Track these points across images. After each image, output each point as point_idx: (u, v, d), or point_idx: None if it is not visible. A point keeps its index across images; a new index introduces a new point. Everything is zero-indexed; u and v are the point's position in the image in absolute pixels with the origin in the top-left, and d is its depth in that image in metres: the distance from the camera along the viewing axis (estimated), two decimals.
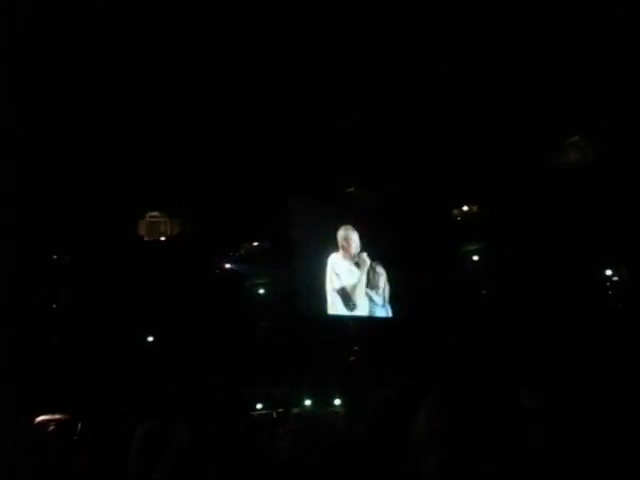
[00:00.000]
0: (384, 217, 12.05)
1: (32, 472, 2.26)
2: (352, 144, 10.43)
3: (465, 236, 12.95)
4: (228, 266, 13.20)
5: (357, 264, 11.50)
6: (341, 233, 11.53)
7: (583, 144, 10.60)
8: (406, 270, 11.75)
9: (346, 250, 11.42)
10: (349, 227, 11.63)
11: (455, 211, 12.83)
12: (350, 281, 11.30)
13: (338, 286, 11.07)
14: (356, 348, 12.38)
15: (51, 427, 4.72)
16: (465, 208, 12.78)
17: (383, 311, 11.70)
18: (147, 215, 12.05)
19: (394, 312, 11.81)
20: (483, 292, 13.47)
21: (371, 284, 11.59)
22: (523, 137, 10.37)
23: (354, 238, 11.61)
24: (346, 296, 11.11)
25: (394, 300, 11.84)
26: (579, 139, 10.65)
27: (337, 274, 11.09)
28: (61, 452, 3.64)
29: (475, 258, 13.50)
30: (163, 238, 11.99)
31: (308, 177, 10.67)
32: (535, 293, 11.42)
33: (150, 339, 13.13)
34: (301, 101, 9.51)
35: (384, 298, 11.77)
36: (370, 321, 11.53)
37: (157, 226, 12.00)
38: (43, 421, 5.00)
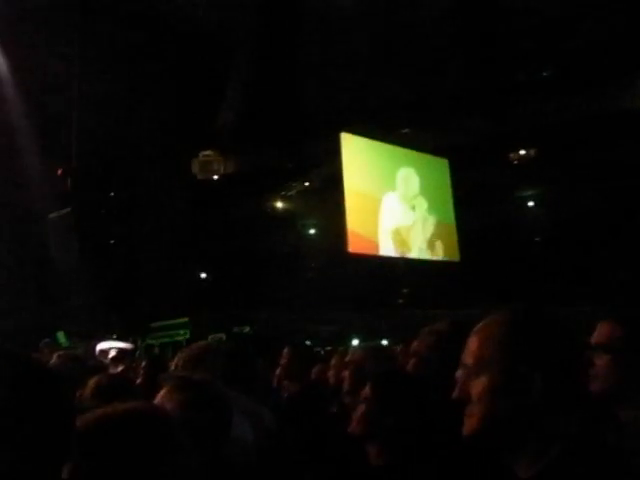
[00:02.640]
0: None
1: (94, 390, 2.39)
2: (406, 84, 10.19)
3: (521, 181, 12.60)
4: (280, 205, 13.29)
5: (413, 207, 11.36)
6: (401, 174, 11.36)
7: None
8: (459, 214, 11.59)
9: (404, 192, 11.26)
10: (410, 169, 11.43)
11: (512, 155, 12.45)
12: (404, 223, 11.18)
13: (391, 227, 10.97)
14: (405, 290, 12.42)
15: (112, 353, 5.01)
16: (522, 152, 12.38)
17: (431, 255, 11.58)
18: (200, 154, 12.17)
19: (443, 255, 11.68)
20: (537, 239, 13.21)
21: (424, 228, 11.46)
22: (585, 76, 9.89)
23: (414, 180, 11.42)
24: (398, 238, 11.01)
25: (445, 244, 11.73)
26: None
27: (391, 215, 10.97)
28: (121, 374, 3.87)
29: (530, 204, 13.18)
30: (216, 177, 12.12)
31: (363, 117, 10.50)
32: (592, 242, 11.11)
33: (203, 276, 13.49)
34: (357, 38, 9.29)
35: (432, 241, 11.62)
36: (420, 264, 11.47)
37: (210, 165, 12.13)
38: (105, 348, 5.34)
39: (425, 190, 11.51)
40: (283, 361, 3.54)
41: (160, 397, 1.60)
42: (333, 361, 3.46)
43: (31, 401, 0.88)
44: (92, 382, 2.44)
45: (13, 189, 10.36)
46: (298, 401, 3.23)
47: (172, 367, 3.27)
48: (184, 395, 1.59)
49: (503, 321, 1.17)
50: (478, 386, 1.13)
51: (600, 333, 1.70)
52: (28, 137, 10.14)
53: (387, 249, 10.87)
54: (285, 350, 3.56)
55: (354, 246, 10.22)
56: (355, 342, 10.85)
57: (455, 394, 1.16)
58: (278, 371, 3.66)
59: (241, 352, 2.90)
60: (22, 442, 0.85)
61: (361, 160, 10.79)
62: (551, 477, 1.06)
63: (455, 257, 11.67)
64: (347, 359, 2.62)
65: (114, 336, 7.80)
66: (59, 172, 9.70)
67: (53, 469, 0.89)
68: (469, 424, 1.14)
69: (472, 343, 1.18)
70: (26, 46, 9.41)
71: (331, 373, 3.38)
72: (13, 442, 0.84)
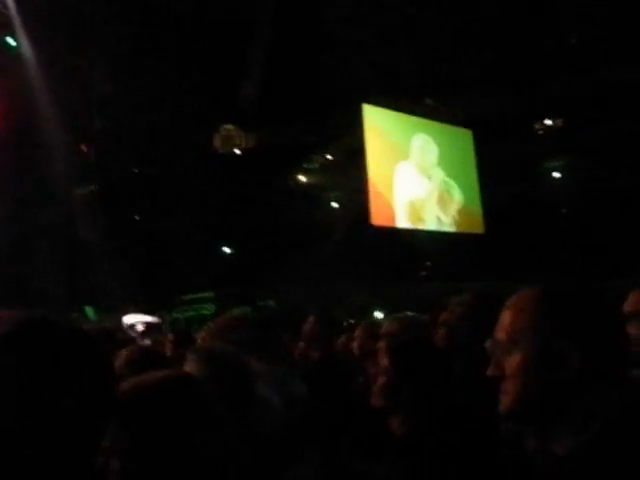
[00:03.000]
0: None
1: (127, 361, 2.45)
2: (429, 54, 10.03)
3: (547, 152, 12.38)
4: (302, 179, 13.26)
5: (429, 177, 11.17)
6: (417, 142, 11.13)
7: None
8: (484, 185, 11.46)
9: (419, 161, 11.07)
10: (427, 137, 11.21)
11: (537, 125, 12.22)
12: (419, 194, 11.01)
13: (406, 198, 10.82)
14: (428, 263, 12.37)
15: (140, 327, 5.10)
16: (548, 122, 12.14)
17: (452, 227, 11.45)
18: (222, 128, 12.15)
19: (466, 227, 11.56)
20: (563, 211, 13.03)
21: (442, 199, 11.30)
22: (614, 44, 9.62)
23: (431, 149, 11.21)
24: (413, 209, 10.87)
25: (469, 216, 11.61)
26: None
27: (405, 185, 10.80)
28: (150, 346, 3.95)
29: (556, 175, 12.97)
30: (238, 151, 12.11)
31: (385, 88, 10.37)
32: (619, 214, 10.93)
33: (227, 250, 13.58)
34: (379, 9, 9.15)
35: (454, 213, 11.45)
36: (443, 236, 11.39)
37: (231, 139, 12.12)
38: (133, 322, 5.42)
39: (444, 161, 11.32)
40: (308, 327, 3.49)
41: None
42: (357, 332, 3.44)
43: (74, 365, 0.89)
44: (124, 354, 2.48)
45: (39, 166, 10.48)
46: (320, 369, 3.23)
47: (199, 340, 3.31)
48: (205, 366, 1.63)
49: (537, 293, 1.14)
50: (512, 362, 1.10)
51: (632, 302, 1.69)
52: (52, 115, 10.21)
53: (402, 221, 10.75)
54: (311, 317, 3.53)
55: (377, 218, 10.18)
56: (378, 314, 10.88)
57: (490, 371, 1.14)
58: (300, 344, 3.65)
59: (266, 323, 2.92)
60: (66, 407, 0.87)
61: (383, 131, 10.66)
62: (589, 454, 1.02)
63: (479, 229, 11.57)
64: (382, 331, 2.59)
65: (141, 310, 7.92)
66: (84, 148, 9.78)
67: (95, 434, 0.91)
68: (505, 401, 1.12)
69: (505, 317, 1.14)
70: (48, 24, 9.42)
71: (355, 344, 3.37)
72: (58, 406, 0.86)
